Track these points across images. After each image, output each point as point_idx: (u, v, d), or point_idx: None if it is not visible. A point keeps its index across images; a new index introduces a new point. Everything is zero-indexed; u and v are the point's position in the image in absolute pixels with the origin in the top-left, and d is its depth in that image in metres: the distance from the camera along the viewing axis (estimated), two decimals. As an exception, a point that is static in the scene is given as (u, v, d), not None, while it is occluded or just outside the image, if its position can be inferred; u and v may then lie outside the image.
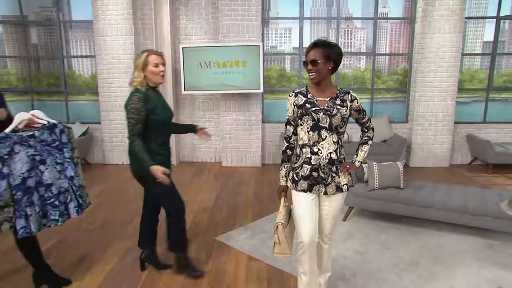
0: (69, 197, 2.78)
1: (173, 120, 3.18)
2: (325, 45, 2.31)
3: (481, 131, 7.11)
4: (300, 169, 2.43)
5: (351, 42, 7.32)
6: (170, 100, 6.82)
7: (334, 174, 2.41)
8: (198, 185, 5.85)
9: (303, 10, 6.96)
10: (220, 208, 4.81)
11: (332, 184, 2.41)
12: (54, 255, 3.53)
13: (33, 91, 7.34)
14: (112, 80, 6.79)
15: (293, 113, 2.44)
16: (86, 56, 7.28)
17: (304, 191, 2.43)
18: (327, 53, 2.29)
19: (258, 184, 5.92)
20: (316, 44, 2.32)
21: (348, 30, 7.24)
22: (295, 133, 2.49)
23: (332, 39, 7.22)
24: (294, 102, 2.42)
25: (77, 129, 6.83)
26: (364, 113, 2.51)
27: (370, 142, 2.58)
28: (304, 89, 2.45)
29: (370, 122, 2.58)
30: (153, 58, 2.80)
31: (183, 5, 6.87)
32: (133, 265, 3.34)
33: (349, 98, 2.40)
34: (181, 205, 3.03)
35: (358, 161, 2.56)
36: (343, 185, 2.43)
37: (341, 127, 2.40)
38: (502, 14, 7.01)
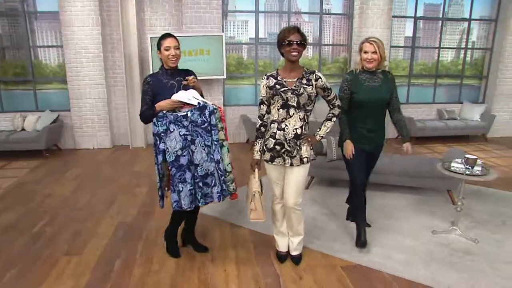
0: (213, 181, 2.62)
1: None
2: (302, 32, 2.41)
3: (405, 110, 7.63)
4: (267, 142, 2.53)
5: (299, 34, 7.46)
6: (137, 87, 6.57)
7: (299, 148, 2.50)
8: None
9: (258, 4, 6.98)
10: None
11: (297, 156, 2.51)
12: (48, 232, 3.39)
13: (-1, 81, 6.68)
14: (80, 69, 6.37)
15: (266, 94, 2.50)
16: (53, 46, 6.69)
17: (267, 161, 2.57)
18: (305, 39, 2.41)
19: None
20: (298, 30, 2.38)
21: (297, 23, 7.37)
22: (268, 112, 2.55)
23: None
24: (267, 84, 2.49)
25: (48, 117, 6.37)
26: (330, 91, 2.54)
27: (334, 119, 2.62)
28: (275, 72, 2.52)
29: (337, 99, 2.62)
30: (364, 46, 2.81)
31: (147, -3, 6.56)
32: (127, 238, 3.28)
33: (314, 77, 2.46)
34: (357, 180, 3.03)
35: (320, 135, 2.62)
36: (304, 158, 2.53)
37: (308, 105, 2.46)
38: (418, 15, 7.60)
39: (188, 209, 2.63)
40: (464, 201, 3.30)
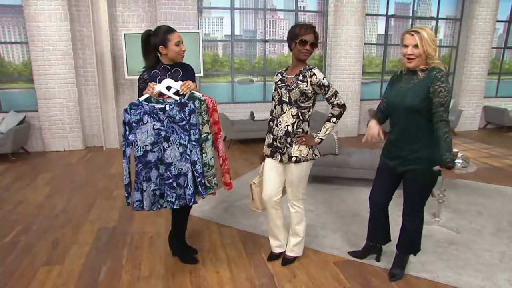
0: (185, 182, 2.36)
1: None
2: (317, 32, 2.35)
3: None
4: (267, 137, 2.59)
5: (275, 31, 7.46)
6: (109, 86, 6.32)
7: (288, 145, 2.43)
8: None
9: (233, 1, 6.88)
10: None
11: (286, 154, 2.45)
12: (23, 242, 3.16)
13: (-44, 80, 6.17)
14: (48, 67, 6.02)
15: (274, 90, 2.52)
16: (16, 43, 6.27)
17: (267, 156, 2.58)
18: (318, 39, 2.37)
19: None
20: (314, 29, 2.32)
21: (272, 20, 7.36)
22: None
23: (258, 28, 7.32)
24: (275, 80, 2.53)
25: (13, 118, 5.98)
26: (327, 88, 2.34)
27: (333, 119, 2.38)
28: (284, 69, 2.53)
29: (336, 98, 2.36)
30: (404, 38, 2.24)
31: (118, -8, 6.30)
32: (111, 243, 3.13)
33: (309, 74, 2.32)
34: (371, 195, 2.76)
35: (319, 137, 2.41)
36: (293, 156, 2.42)
37: (302, 102, 2.35)
38: (389, 13, 7.80)
39: (147, 210, 2.41)
40: (445, 193, 3.41)
